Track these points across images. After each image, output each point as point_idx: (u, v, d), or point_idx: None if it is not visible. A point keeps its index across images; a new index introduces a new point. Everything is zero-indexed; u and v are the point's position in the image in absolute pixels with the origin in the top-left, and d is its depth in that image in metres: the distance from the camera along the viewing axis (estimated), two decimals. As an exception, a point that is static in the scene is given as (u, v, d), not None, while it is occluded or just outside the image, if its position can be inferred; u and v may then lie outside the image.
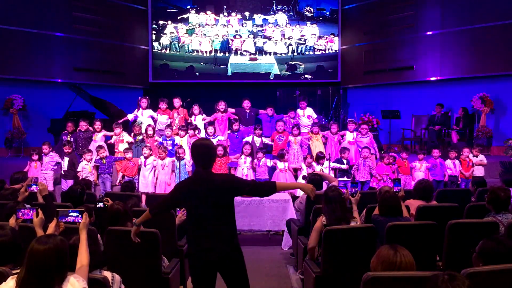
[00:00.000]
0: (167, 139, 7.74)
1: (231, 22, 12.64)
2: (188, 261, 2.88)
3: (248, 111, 8.53)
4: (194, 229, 2.81)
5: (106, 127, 8.21)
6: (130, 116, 8.52)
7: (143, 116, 8.39)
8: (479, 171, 7.50)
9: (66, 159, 7.25)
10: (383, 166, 7.30)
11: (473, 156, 7.62)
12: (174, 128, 8.14)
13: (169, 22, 12.52)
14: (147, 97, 8.74)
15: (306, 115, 8.72)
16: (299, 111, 8.81)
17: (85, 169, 7.11)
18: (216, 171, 7.11)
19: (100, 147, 7.30)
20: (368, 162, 7.33)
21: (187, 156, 7.23)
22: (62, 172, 7.24)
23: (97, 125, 7.96)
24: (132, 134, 8.00)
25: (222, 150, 7.22)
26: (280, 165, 7.26)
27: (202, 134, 8.05)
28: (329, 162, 7.11)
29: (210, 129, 7.81)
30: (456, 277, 1.87)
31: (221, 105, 8.42)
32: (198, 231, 2.79)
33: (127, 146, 7.62)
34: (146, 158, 7.15)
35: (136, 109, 8.52)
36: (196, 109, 8.43)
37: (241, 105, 8.67)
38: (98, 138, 7.88)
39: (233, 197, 2.85)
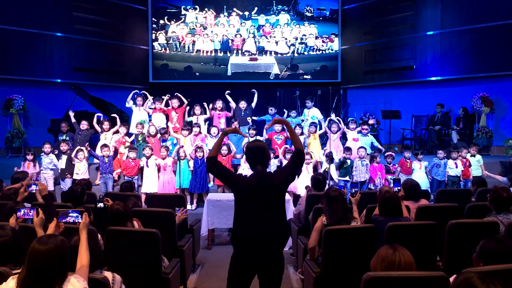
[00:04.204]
0: (166, 140, 7.74)
1: (231, 22, 12.65)
2: (233, 255, 2.85)
3: (243, 110, 8.60)
4: (246, 225, 2.80)
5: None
6: (134, 119, 8.49)
7: (140, 111, 8.44)
8: (476, 171, 7.51)
9: (64, 158, 7.24)
10: (374, 166, 7.31)
11: (471, 155, 7.62)
12: (173, 127, 8.16)
13: (173, 21, 12.53)
14: (142, 94, 8.75)
15: (311, 115, 8.77)
16: (305, 110, 8.92)
17: (79, 168, 7.13)
18: None
19: (104, 145, 7.29)
20: (366, 162, 7.33)
21: (189, 156, 7.25)
22: (59, 171, 7.24)
23: (106, 124, 7.99)
24: (134, 133, 8.01)
25: (227, 150, 7.23)
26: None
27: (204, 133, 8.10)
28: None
29: (214, 130, 7.83)
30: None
31: (219, 103, 8.50)
32: (250, 228, 2.77)
33: (129, 145, 7.66)
34: (148, 158, 7.15)
35: (134, 105, 8.56)
36: (197, 109, 8.48)
37: (237, 105, 8.73)
38: (108, 137, 7.88)
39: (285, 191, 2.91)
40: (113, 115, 8.38)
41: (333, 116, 8.50)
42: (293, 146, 3.24)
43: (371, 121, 8.31)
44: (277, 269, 2.83)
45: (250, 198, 2.79)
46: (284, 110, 9.15)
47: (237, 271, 2.81)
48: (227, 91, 8.91)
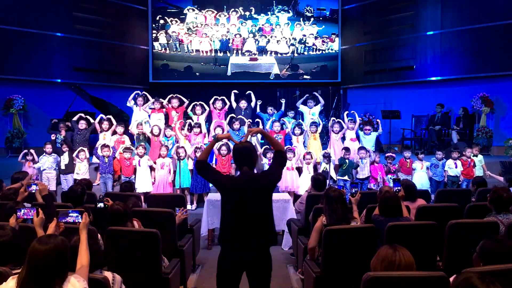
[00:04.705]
0: (168, 139, 7.75)
1: (231, 21, 12.64)
2: (220, 255, 2.90)
3: (244, 110, 8.65)
4: (234, 225, 2.83)
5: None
6: (135, 120, 8.48)
7: (140, 111, 8.46)
8: (479, 171, 7.50)
9: (66, 156, 7.24)
10: (374, 166, 7.31)
11: (473, 155, 7.61)
12: (173, 126, 8.18)
13: (173, 22, 12.53)
14: (143, 95, 8.76)
15: (312, 112, 8.81)
16: (305, 108, 8.95)
17: (80, 168, 7.13)
18: (220, 169, 7.14)
19: (104, 145, 7.28)
20: (366, 160, 7.32)
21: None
22: (63, 167, 7.26)
23: (105, 124, 7.99)
24: (136, 133, 8.01)
25: (226, 150, 7.24)
26: (287, 163, 7.25)
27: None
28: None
29: (218, 130, 7.83)
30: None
31: (218, 104, 8.53)
32: (238, 228, 2.81)
33: (128, 144, 7.64)
34: (140, 157, 7.14)
35: (135, 105, 8.56)
36: (198, 109, 8.49)
37: (238, 105, 8.81)
38: (108, 137, 7.88)
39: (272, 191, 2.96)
40: (108, 116, 8.37)
41: (345, 114, 8.57)
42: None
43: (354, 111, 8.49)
44: (266, 268, 2.86)
45: (239, 198, 2.81)
46: (282, 100, 9.17)
47: (227, 271, 2.84)
48: (234, 91, 8.97)
